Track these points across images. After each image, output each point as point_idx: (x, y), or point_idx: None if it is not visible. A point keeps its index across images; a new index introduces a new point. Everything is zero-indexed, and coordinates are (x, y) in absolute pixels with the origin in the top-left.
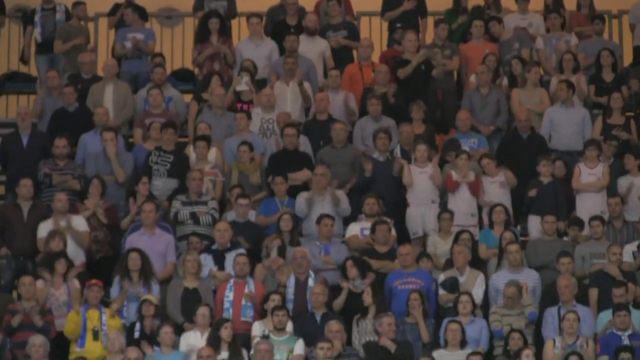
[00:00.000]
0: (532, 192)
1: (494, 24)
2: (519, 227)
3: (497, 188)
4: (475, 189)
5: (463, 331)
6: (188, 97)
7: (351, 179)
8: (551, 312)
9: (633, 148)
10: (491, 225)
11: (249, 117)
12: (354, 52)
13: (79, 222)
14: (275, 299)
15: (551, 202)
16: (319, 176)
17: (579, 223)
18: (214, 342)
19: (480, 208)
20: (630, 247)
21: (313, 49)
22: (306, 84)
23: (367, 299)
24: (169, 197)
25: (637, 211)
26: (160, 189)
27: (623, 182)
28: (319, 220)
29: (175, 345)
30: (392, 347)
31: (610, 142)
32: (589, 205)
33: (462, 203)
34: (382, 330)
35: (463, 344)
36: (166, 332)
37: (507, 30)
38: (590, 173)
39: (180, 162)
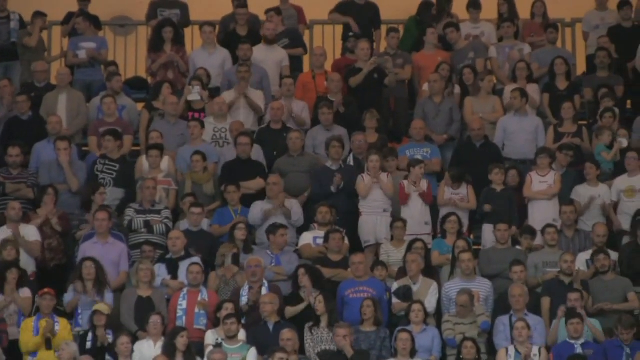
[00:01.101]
0: (487, 208)
1: (451, 31)
2: (472, 236)
3: (457, 200)
4: (428, 198)
5: (413, 340)
6: (141, 106)
7: (307, 188)
8: (502, 321)
9: (589, 157)
10: (444, 234)
11: (202, 125)
12: (305, 61)
13: (30, 232)
14: (228, 308)
15: (504, 211)
16: (272, 185)
17: (531, 232)
18: (169, 351)
19: (434, 217)
20: (585, 256)
21: (271, 58)
22: (259, 93)
23: (320, 307)
24: (118, 207)
25: (591, 220)
26: (106, 199)
27: (582, 192)
28: (274, 231)
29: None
30: (350, 353)
31: (567, 152)
32: (541, 213)
33: (415, 211)
34: (338, 341)
35: (413, 353)
36: (122, 342)
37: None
38: (541, 181)
39: (127, 171)
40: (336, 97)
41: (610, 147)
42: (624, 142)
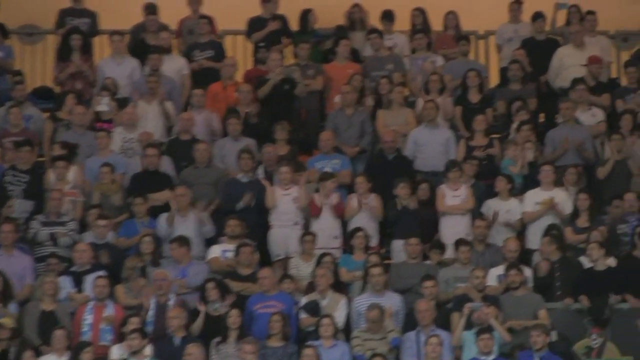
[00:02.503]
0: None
1: (375, 37)
2: (382, 250)
3: (364, 211)
4: (339, 211)
5: (318, 357)
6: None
7: (214, 200)
8: (409, 337)
9: (497, 169)
10: (352, 249)
11: (110, 136)
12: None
13: None
14: (133, 322)
15: (413, 225)
16: (179, 197)
17: (440, 246)
18: None
19: (344, 230)
20: (496, 271)
21: (171, 67)
22: (168, 104)
23: (237, 321)
24: (27, 220)
25: (502, 234)
26: (15, 211)
27: (493, 206)
28: (179, 241)
29: None
30: None
31: (471, 162)
32: (453, 228)
33: (325, 225)
34: (243, 357)
35: None
36: (27, 357)
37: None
38: (454, 195)
39: (37, 182)
40: (246, 108)
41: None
42: (530, 156)
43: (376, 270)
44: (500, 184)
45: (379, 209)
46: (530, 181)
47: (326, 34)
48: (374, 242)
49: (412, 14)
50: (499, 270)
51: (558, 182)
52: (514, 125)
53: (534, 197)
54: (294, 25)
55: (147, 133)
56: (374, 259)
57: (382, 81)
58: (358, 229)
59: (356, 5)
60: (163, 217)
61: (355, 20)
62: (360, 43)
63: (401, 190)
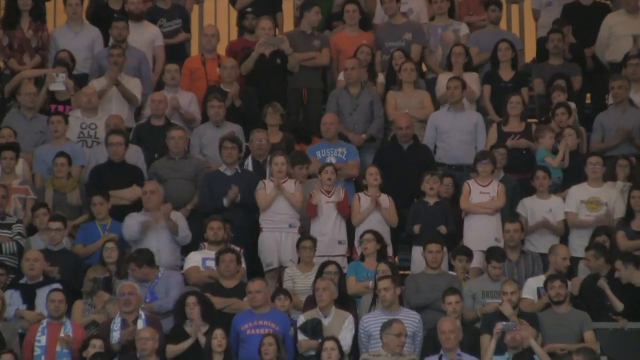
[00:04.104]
0: (416, 229)
1: (389, 0)
2: (397, 259)
3: (376, 212)
4: (344, 210)
5: None
6: None
7: (192, 198)
8: None
9: (533, 160)
10: (363, 256)
11: (67, 121)
12: (191, 45)
13: None
14: (96, 345)
15: (437, 228)
16: (149, 194)
17: (467, 252)
18: None
19: (350, 234)
20: (535, 282)
21: (141, 37)
22: (135, 81)
23: (223, 343)
24: None
25: (540, 239)
26: None
27: (531, 205)
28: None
29: None
30: None
31: (499, 150)
32: (480, 231)
33: (326, 227)
34: None
35: None
36: None
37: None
38: (482, 192)
39: None
40: (230, 87)
41: (555, 151)
42: (571, 144)
43: (384, 283)
44: (542, 179)
45: (393, 212)
46: (572, 175)
47: None
48: (389, 250)
49: None
50: (539, 281)
51: (607, 176)
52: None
53: (579, 195)
54: None
55: (115, 117)
56: (383, 267)
57: (395, 55)
58: (367, 232)
59: None
60: (131, 219)
61: None
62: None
63: (427, 184)
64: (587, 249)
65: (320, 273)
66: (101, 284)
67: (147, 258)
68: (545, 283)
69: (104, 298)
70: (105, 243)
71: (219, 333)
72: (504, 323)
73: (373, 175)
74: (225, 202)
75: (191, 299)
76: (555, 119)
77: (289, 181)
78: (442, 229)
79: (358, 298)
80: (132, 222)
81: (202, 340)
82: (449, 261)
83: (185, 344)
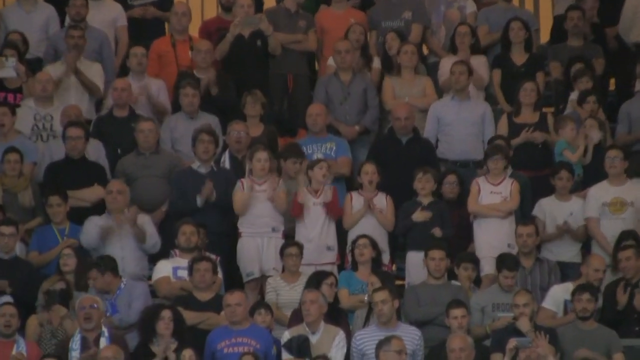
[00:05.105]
0: (437, 232)
1: None
2: (394, 267)
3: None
4: (333, 211)
5: None
6: None
7: (164, 199)
8: None
9: (550, 155)
10: (355, 265)
11: (14, 112)
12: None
13: None
14: None
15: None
16: (114, 194)
17: (472, 260)
18: None
19: (342, 239)
20: (561, 292)
21: (102, 16)
22: (96, 66)
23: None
24: None
25: (561, 248)
26: None
27: (550, 207)
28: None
29: None
30: None
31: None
32: (489, 235)
33: (314, 232)
34: None
35: None
36: None
37: None
38: (493, 191)
39: None
40: (205, 74)
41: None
42: (594, 137)
43: (381, 295)
44: (565, 180)
45: (391, 214)
46: (594, 173)
47: None
48: (385, 257)
49: None
50: (566, 291)
51: (634, 172)
52: (573, 96)
53: (600, 196)
54: None
55: (73, 107)
56: (372, 279)
57: (388, 36)
58: (362, 237)
59: None
60: (91, 224)
61: None
62: None
63: (419, 183)
64: (621, 248)
65: (308, 284)
66: (57, 297)
67: (110, 265)
68: (573, 293)
69: (61, 313)
70: (63, 250)
71: (187, 354)
72: (518, 339)
73: (369, 175)
74: (198, 201)
75: (167, 313)
76: (584, 108)
77: (269, 180)
78: (437, 232)
79: (351, 313)
80: (92, 227)
81: (172, 358)
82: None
83: None
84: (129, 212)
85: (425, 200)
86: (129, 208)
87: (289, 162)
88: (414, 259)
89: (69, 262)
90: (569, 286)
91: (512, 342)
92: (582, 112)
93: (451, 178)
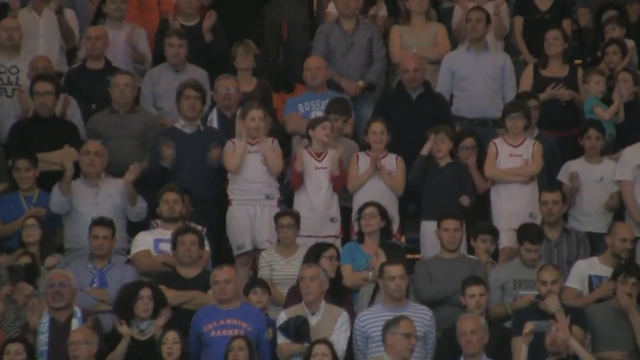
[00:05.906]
0: (465, 201)
1: None
2: (403, 239)
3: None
4: (340, 180)
5: None
6: None
7: (142, 162)
8: None
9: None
10: (361, 237)
11: None
12: None
13: None
14: (18, 350)
15: (452, 199)
16: (91, 155)
17: (492, 231)
18: None
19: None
20: (587, 267)
21: None
22: (70, 12)
23: (175, 350)
24: None
25: (595, 218)
26: None
27: (578, 170)
28: (90, 228)
29: None
30: None
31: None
32: (510, 203)
33: (316, 200)
34: None
35: None
36: None
37: None
38: (513, 154)
39: None
40: (193, 21)
41: (608, 101)
42: (625, 93)
43: (396, 270)
44: (594, 139)
45: (402, 177)
46: (628, 132)
47: None
48: (395, 226)
49: None
50: (591, 266)
51: None
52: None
53: (635, 158)
54: None
55: (42, 58)
56: (380, 252)
57: None
58: (369, 204)
59: None
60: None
61: None
62: None
63: (438, 144)
64: None
65: (307, 258)
66: (22, 273)
67: (107, 225)
68: (615, 274)
69: (26, 292)
70: (26, 220)
71: (170, 337)
72: (536, 322)
73: (377, 135)
74: (165, 162)
75: (146, 292)
76: (605, 60)
77: (265, 140)
78: (465, 200)
79: (355, 291)
80: (59, 192)
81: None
82: (467, 242)
83: (121, 346)
84: (133, 166)
85: (443, 162)
86: (133, 164)
87: (331, 118)
88: (429, 230)
89: (33, 234)
90: (594, 261)
91: (529, 326)
92: (603, 63)
93: (469, 142)
